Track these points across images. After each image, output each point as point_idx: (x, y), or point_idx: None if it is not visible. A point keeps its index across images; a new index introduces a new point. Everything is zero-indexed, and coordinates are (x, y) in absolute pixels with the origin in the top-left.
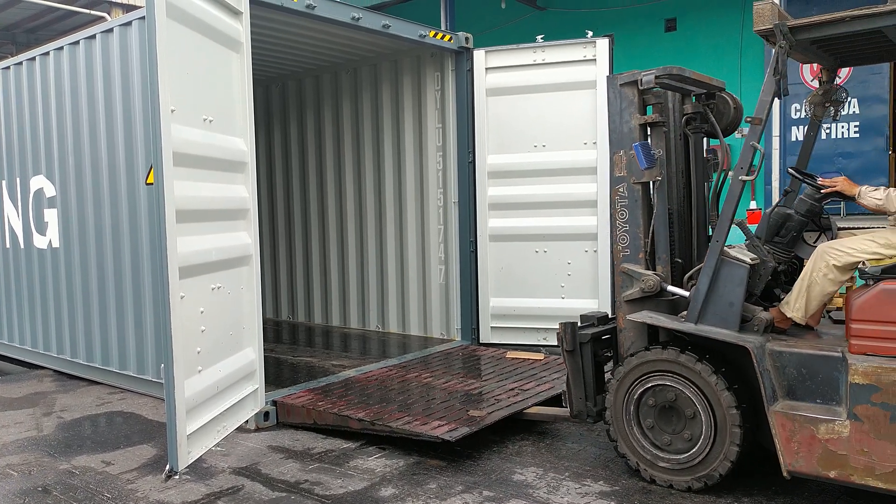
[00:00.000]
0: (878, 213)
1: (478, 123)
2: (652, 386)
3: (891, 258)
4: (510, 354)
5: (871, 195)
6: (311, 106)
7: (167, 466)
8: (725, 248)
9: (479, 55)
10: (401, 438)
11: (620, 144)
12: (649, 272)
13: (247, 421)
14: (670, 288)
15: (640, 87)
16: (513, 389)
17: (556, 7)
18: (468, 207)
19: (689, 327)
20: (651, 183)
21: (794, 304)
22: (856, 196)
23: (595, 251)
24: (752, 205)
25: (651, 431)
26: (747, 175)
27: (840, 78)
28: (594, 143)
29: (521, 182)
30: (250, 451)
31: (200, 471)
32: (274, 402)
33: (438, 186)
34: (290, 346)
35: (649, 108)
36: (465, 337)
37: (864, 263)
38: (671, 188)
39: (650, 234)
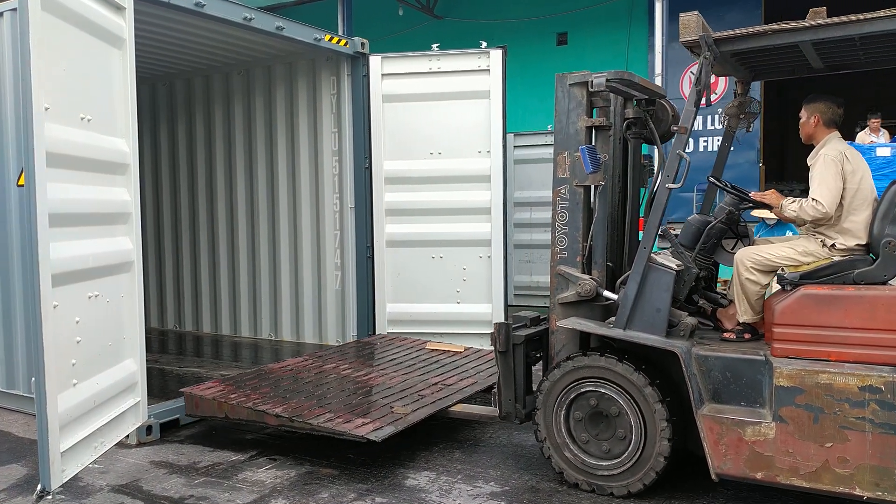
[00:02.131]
0: (794, 223)
1: (374, 129)
2: (584, 392)
3: (808, 265)
4: (430, 345)
5: (789, 207)
6: (200, 106)
7: (39, 486)
8: (652, 254)
9: (375, 61)
10: (293, 447)
11: (565, 145)
12: (586, 276)
13: (128, 436)
14: (606, 293)
15: (591, 89)
16: (436, 384)
17: (452, 17)
18: (364, 213)
19: (617, 333)
20: (593, 187)
21: (741, 309)
22: (779, 208)
23: (489, 257)
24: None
25: (580, 436)
26: (674, 183)
27: (716, 94)
28: (488, 151)
29: (417, 188)
30: (131, 467)
31: (76, 490)
32: (180, 395)
33: (334, 191)
34: (176, 356)
35: (594, 111)
36: None
37: (782, 270)
38: (608, 192)
39: (589, 238)
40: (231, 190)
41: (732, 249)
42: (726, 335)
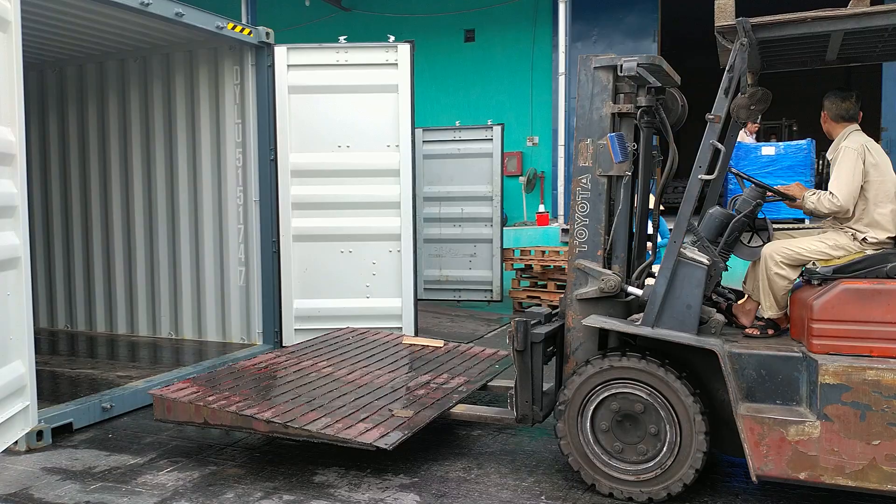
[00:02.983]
0: (814, 215)
1: (280, 121)
2: (612, 394)
3: (838, 258)
4: (407, 340)
5: (809, 199)
6: (93, 94)
7: None
8: (682, 249)
9: (280, 51)
10: (196, 450)
11: (588, 133)
12: (608, 271)
13: (16, 442)
14: (630, 289)
15: (620, 74)
16: (428, 383)
17: (360, 9)
18: (270, 206)
19: (646, 331)
20: (615, 177)
21: (766, 304)
22: (801, 199)
23: (399, 251)
24: (541, 208)
25: (607, 440)
26: (707, 174)
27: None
28: (397, 145)
29: (325, 182)
30: (21, 474)
31: None
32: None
33: (238, 184)
34: (68, 357)
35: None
36: (268, 340)
37: (813, 264)
38: (630, 183)
39: (611, 232)
40: (127, 182)
41: (749, 243)
42: (749, 331)
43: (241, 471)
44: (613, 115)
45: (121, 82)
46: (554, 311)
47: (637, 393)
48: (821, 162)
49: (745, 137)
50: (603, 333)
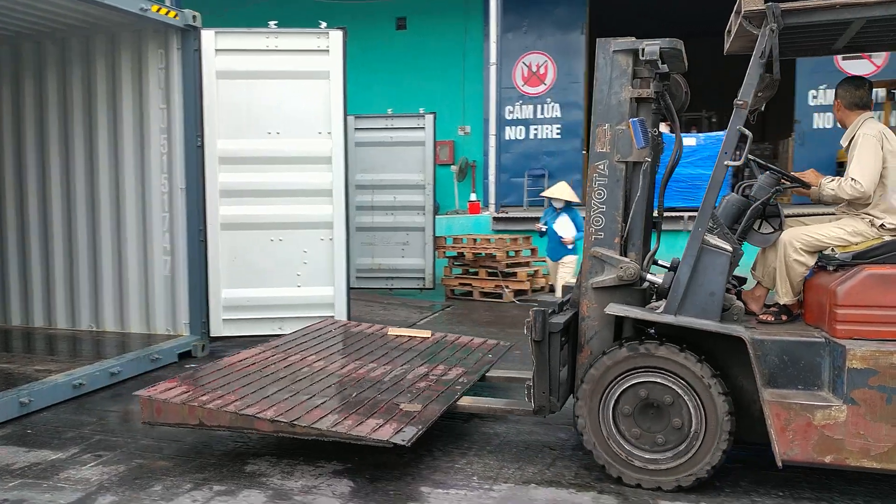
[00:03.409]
0: (832, 203)
1: (207, 106)
2: (638, 383)
3: (856, 245)
4: (393, 331)
5: (828, 186)
6: (6, 78)
7: None
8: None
9: (208, 35)
10: (120, 443)
11: (606, 118)
12: (627, 259)
13: None
14: (650, 277)
15: (642, 58)
16: (426, 375)
17: None
18: (197, 194)
19: (668, 319)
20: (633, 163)
21: (782, 291)
22: (818, 187)
23: (331, 239)
24: (472, 197)
25: (629, 429)
26: (733, 161)
27: (545, 84)
28: (329, 132)
29: (254, 169)
30: None
31: None
32: None
33: (163, 171)
34: None
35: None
36: (195, 331)
37: (832, 250)
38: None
39: (629, 219)
40: (43, 168)
41: (759, 230)
42: (763, 317)
43: (169, 463)
44: (633, 99)
45: (37, 65)
46: (565, 300)
47: (662, 382)
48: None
49: (663, 129)
50: (618, 322)
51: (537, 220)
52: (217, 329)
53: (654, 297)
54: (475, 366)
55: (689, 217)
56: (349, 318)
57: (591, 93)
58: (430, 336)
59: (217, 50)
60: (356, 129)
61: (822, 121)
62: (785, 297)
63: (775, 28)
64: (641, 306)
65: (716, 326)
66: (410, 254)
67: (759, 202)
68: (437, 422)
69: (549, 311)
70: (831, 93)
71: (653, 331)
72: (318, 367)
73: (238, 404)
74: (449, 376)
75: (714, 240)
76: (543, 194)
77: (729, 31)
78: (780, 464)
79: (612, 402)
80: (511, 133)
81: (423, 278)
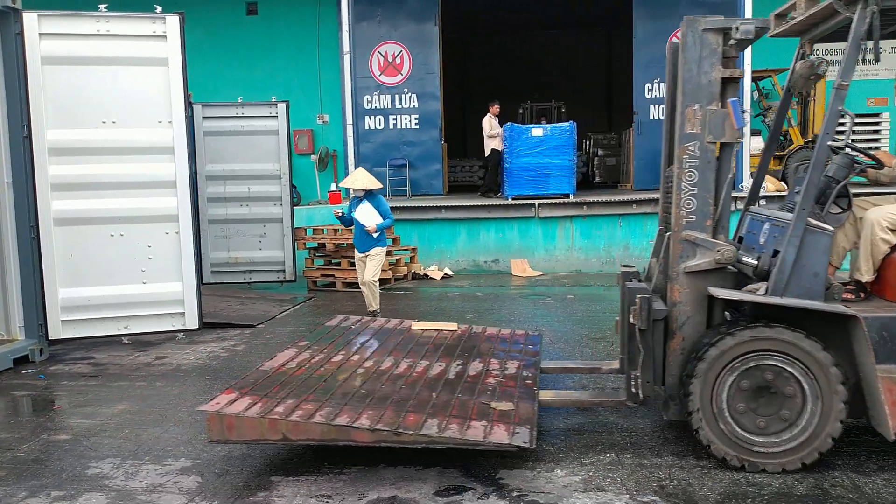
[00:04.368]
0: (891, 183)
1: (33, 94)
2: (756, 365)
3: None
4: (416, 326)
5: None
6: None
7: None
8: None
9: (30, 18)
10: None
11: (695, 98)
12: (722, 241)
13: None
14: (746, 258)
15: (736, 37)
16: (487, 370)
17: None
18: (26, 188)
19: (774, 300)
20: (726, 144)
21: (864, 269)
22: (891, 167)
23: (177, 233)
24: (333, 186)
25: (741, 411)
26: (835, 140)
27: (402, 75)
28: (170, 122)
29: (89, 161)
30: None
31: None
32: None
33: None
34: None
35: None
36: (31, 335)
37: None
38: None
39: (720, 201)
40: None
41: (828, 209)
42: (846, 295)
43: (2, 473)
44: (725, 80)
45: None
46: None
47: (778, 364)
48: (585, 142)
49: (490, 120)
50: (709, 308)
51: (399, 209)
52: (56, 331)
53: (754, 278)
54: (525, 357)
55: (540, 204)
56: (200, 314)
57: (446, 84)
58: (456, 329)
59: (41, 34)
60: (204, 117)
61: (657, 112)
62: (867, 274)
63: (875, 9)
64: (735, 289)
65: (825, 306)
66: (268, 246)
67: (841, 183)
68: None
69: (650, 297)
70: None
71: (745, 313)
72: (370, 366)
73: (324, 414)
74: (509, 370)
75: (816, 220)
76: (342, 184)
77: (783, 15)
78: (892, 438)
79: (729, 382)
80: (371, 123)
81: (284, 271)
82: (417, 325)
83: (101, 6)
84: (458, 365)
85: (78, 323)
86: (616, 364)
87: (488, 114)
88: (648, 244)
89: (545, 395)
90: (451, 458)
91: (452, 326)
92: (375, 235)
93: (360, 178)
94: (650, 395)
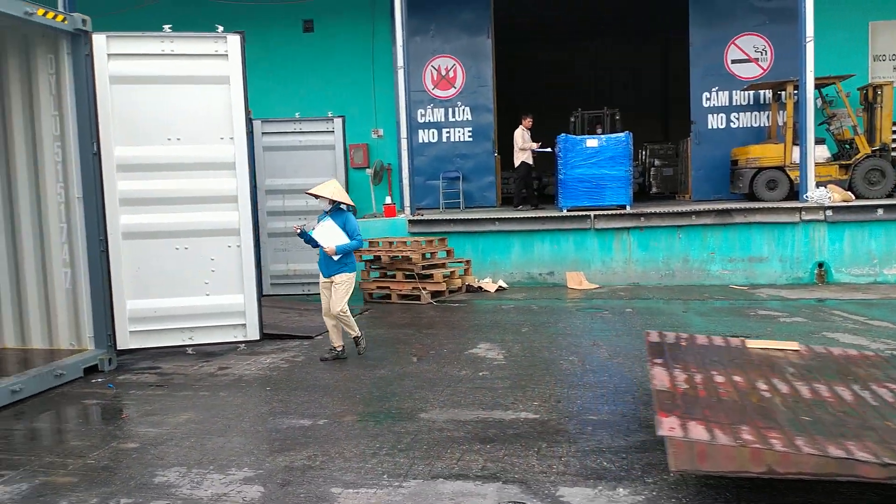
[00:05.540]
0: None
1: (102, 113)
2: None
3: None
4: (752, 344)
5: None
6: None
7: None
8: None
9: (99, 40)
10: (22, 461)
11: None
12: None
13: None
14: None
15: None
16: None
17: None
18: (95, 203)
19: None
20: None
21: None
22: None
23: (238, 246)
24: (388, 199)
25: None
26: None
27: (455, 88)
28: (231, 138)
29: (155, 176)
30: None
31: None
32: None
33: (58, 181)
34: None
35: None
36: (100, 345)
37: None
38: None
39: None
40: None
41: None
42: None
43: (75, 479)
44: None
45: None
46: None
47: None
48: (641, 152)
49: (523, 133)
50: None
51: (453, 221)
52: (124, 342)
53: None
54: None
55: (596, 216)
56: (261, 326)
57: (499, 96)
58: (797, 348)
59: (110, 55)
60: (264, 133)
61: (716, 121)
62: None
63: None
64: None
65: None
66: None
67: None
68: (351, 422)
69: None
70: (723, 94)
71: None
72: (766, 388)
73: (804, 443)
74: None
75: None
76: (308, 192)
77: None
78: None
79: None
80: (424, 136)
81: None
82: (753, 344)
83: (166, 26)
84: (855, 389)
85: (144, 334)
86: None
87: (521, 126)
88: (709, 256)
89: None
90: (511, 474)
91: (793, 346)
92: (335, 258)
93: (327, 188)
94: None
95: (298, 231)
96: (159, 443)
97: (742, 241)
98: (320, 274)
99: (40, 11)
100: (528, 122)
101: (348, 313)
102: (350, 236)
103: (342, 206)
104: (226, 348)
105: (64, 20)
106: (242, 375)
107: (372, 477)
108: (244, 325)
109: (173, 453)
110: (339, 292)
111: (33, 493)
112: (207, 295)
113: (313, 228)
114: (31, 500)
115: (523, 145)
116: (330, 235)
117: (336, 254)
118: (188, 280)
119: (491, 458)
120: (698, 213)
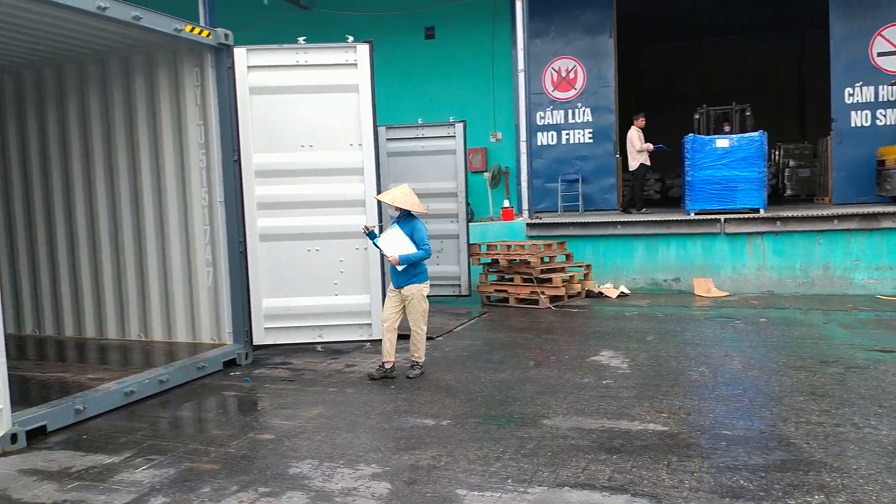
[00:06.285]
0: None
1: (242, 121)
2: None
3: None
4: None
5: None
6: (52, 99)
7: None
8: None
9: (240, 53)
10: (171, 447)
11: None
12: None
13: None
14: None
15: None
16: None
17: (319, 7)
18: (235, 207)
19: None
20: None
21: None
22: None
23: (365, 249)
24: (506, 203)
25: None
26: None
27: (575, 89)
28: (360, 144)
29: (289, 181)
30: None
31: None
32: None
33: (202, 185)
34: (37, 361)
35: None
36: (238, 340)
37: None
38: None
39: None
40: (90, 185)
41: None
42: None
43: (216, 466)
44: None
45: (80, 86)
46: None
47: None
48: (775, 152)
49: (639, 133)
50: None
51: (572, 225)
52: (259, 337)
53: None
54: None
55: (726, 220)
56: None
57: (624, 95)
58: None
59: (249, 67)
60: (388, 139)
61: (860, 119)
62: None
63: None
64: None
65: None
66: (445, 261)
67: None
68: (474, 424)
69: None
70: (867, 90)
71: None
72: None
73: None
74: None
75: None
76: (376, 197)
77: None
78: None
79: None
80: (543, 139)
81: (459, 285)
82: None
83: (300, 38)
84: None
85: (278, 331)
86: None
87: (633, 126)
88: (852, 264)
89: None
90: (640, 487)
91: None
92: (400, 269)
93: (395, 195)
94: None
95: (367, 232)
96: (293, 435)
97: (890, 247)
98: (391, 286)
99: (188, 28)
100: (640, 121)
101: (424, 333)
102: (417, 245)
103: (411, 213)
104: (352, 346)
105: (209, 35)
106: (368, 373)
107: (496, 481)
108: (370, 325)
109: (305, 446)
110: (416, 310)
111: (179, 477)
112: (336, 295)
113: (382, 232)
114: (178, 485)
115: (641, 147)
116: (395, 244)
117: (399, 264)
118: (319, 280)
119: (618, 469)
120: (841, 218)
